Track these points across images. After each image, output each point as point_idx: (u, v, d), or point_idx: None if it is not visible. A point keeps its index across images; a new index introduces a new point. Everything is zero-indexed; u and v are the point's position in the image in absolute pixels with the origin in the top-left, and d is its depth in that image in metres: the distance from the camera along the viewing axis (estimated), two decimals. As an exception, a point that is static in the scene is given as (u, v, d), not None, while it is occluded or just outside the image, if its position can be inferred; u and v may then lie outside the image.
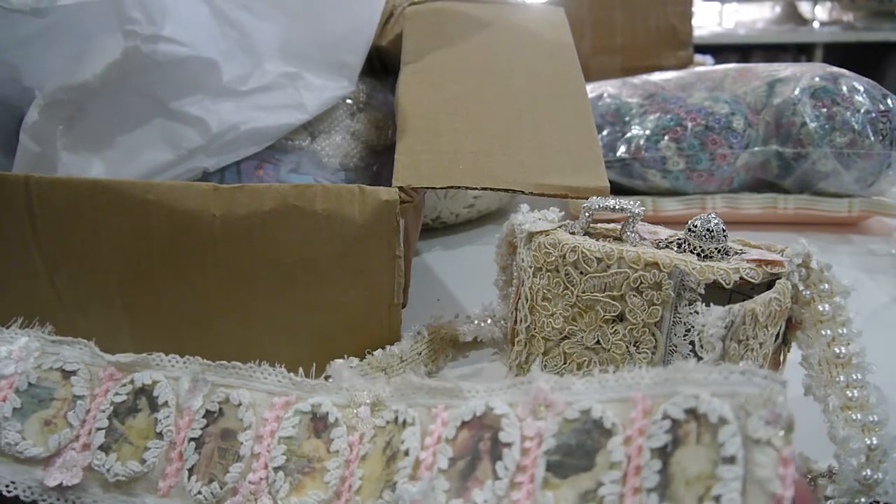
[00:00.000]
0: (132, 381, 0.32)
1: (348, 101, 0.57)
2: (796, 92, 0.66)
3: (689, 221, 0.36)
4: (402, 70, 0.52)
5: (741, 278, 0.33)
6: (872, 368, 0.34)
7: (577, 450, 0.24)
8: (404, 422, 0.28)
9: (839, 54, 2.35)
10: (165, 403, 0.31)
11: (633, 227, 0.37)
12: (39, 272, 0.40)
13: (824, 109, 0.65)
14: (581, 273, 0.36)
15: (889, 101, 0.66)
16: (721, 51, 2.23)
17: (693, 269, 0.33)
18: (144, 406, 0.31)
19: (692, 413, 0.22)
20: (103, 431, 0.31)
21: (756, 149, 0.67)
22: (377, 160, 0.59)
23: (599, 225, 0.39)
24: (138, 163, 0.47)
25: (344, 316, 0.41)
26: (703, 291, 0.33)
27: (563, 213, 0.40)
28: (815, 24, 2.60)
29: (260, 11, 0.50)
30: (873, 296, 0.56)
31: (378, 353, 0.42)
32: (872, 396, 0.33)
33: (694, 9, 1.17)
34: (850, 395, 0.33)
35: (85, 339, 0.33)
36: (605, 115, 0.73)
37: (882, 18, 2.48)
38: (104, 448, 0.30)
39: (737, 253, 0.35)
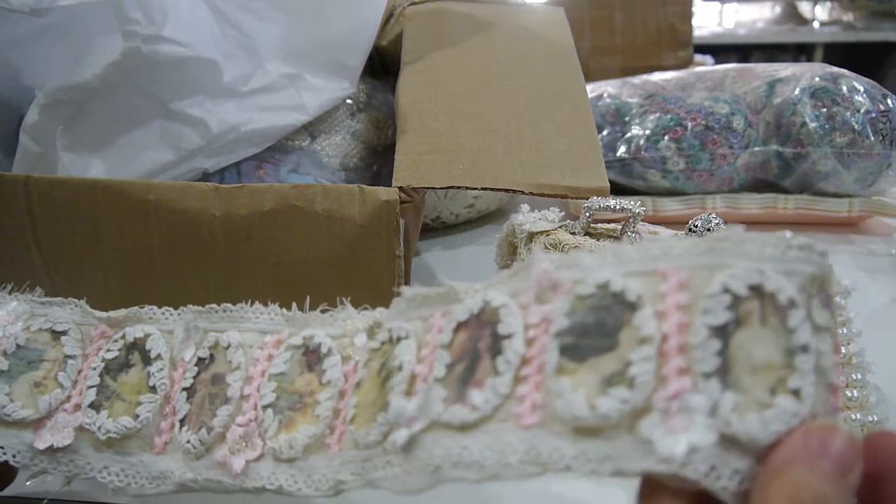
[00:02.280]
0: (124, 337, 0.30)
1: (348, 101, 0.57)
2: (796, 92, 0.66)
3: (690, 221, 0.36)
4: (402, 70, 0.52)
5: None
6: (872, 368, 0.34)
7: (595, 329, 0.21)
8: (398, 338, 0.26)
9: (839, 54, 2.35)
10: (158, 356, 0.29)
11: (634, 227, 0.37)
12: (39, 272, 0.40)
13: (824, 109, 0.65)
14: (581, 273, 0.36)
15: (889, 101, 0.65)
16: (721, 51, 2.23)
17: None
18: (137, 361, 0.29)
19: (756, 290, 0.20)
20: (94, 389, 0.29)
21: (756, 149, 0.67)
22: (377, 160, 0.59)
23: (600, 225, 0.39)
24: (138, 163, 0.47)
25: (344, 316, 0.41)
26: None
27: (563, 213, 0.40)
28: (815, 24, 2.60)
29: (261, 12, 0.50)
30: (873, 296, 0.56)
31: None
32: (872, 396, 0.33)
33: (694, 9, 1.17)
34: (849, 395, 0.33)
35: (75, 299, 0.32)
36: (605, 115, 0.73)
37: (882, 18, 2.48)
38: (95, 406, 0.29)
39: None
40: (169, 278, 0.39)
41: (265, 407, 0.27)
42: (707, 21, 2.67)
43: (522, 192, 0.43)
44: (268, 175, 0.51)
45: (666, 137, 0.68)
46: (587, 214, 0.38)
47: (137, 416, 0.28)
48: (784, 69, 0.71)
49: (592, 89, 0.76)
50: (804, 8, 2.67)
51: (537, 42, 0.57)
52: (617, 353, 0.20)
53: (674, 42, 1.13)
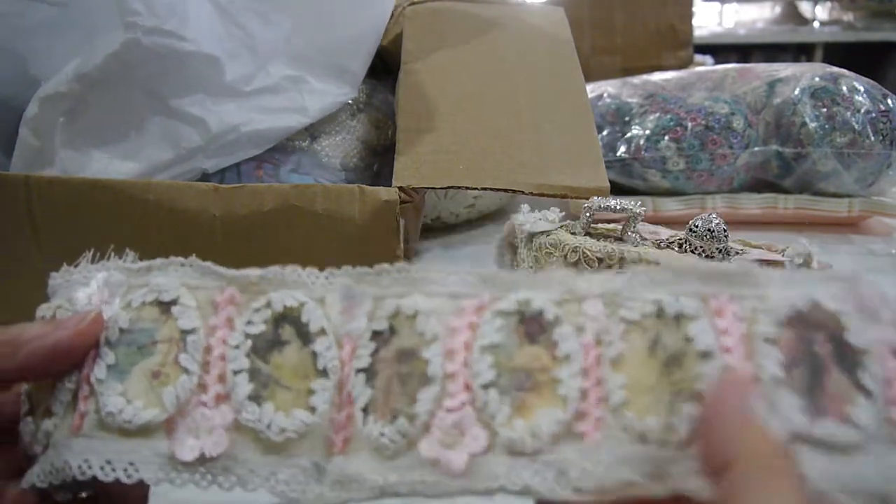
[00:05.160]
0: (269, 305, 0.24)
1: (349, 101, 0.57)
2: (796, 92, 0.66)
3: (691, 222, 0.36)
4: (402, 70, 0.52)
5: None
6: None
7: None
8: (679, 315, 0.22)
9: (839, 54, 2.35)
10: (321, 331, 0.23)
11: (634, 227, 0.37)
12: (39, 272, 0.40)
13: (824, 109, 0.65)
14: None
15: (889, 101, 0.65)
16: (721, 51, 2.23)
17: (693, 269, 0.33)
18: (291, 336, 0.23)
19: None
20: (245, 374, 0.23)
21: (756, 149, 0.67)
22: (377, 160, 0.59)
23: (600, 225, 0.39)
24: (137, 160, 0.46)
25: (344, 316, 0.41)
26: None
27: (563, 213, 0.40)
28: (815, 24, 2.60)
29: (267, 14, 0.50)
30: (873, 296, 0.56)
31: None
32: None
33: (694, 9, 1.17)
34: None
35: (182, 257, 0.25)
36: (605, 115, 0.73)
37: (882, 18, 2.48)
38: (253, 397, 0.22)
39: (738, 253, 0.35)
40: (169, 278, 0.39)
41: (486, 386, 0.22)
42: (707, 21, 2.67)
43: (522, 192, 0.43)
44: (268, 175, 0.51)
45: (666, 137, 0.67)
46: (587, 214, 0.38)
47: (314, 409, 0.22)
48: (784, 69, 0.71)
49: (592, 89, 0.76)
50: (804, 8, 2.67)
51: (537, 42, 0.57)
52: None
53: (674, 42, 1.13)
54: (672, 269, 0.22)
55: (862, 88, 0.66)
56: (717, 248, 0.35)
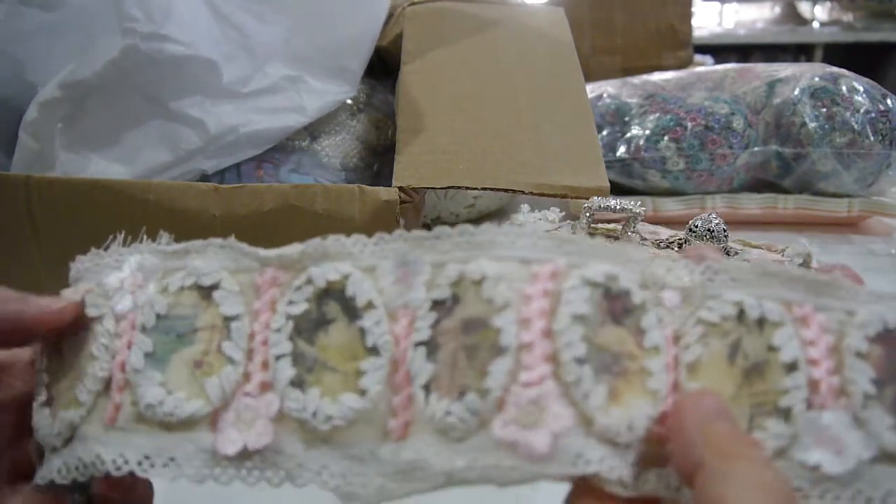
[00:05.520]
0: (310, 281, 0.21)
1: (349, 101, 0.57)
2: (796, 92, 0.66)
3: (690, 222, 0.36)
4: (402, 70, 0.52)
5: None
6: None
7: None
8: (761, 320, 0.20)
9: (839, 54, 2.35)
10: (369, 304, 0.21)
11: (634, 227, 0.37)
12: (39, 272, 0.40)
13: (824, 109, 0.65)
14: (581, 273, 0.36)
15: (889, 101, 0.66)
16: (721, 51, 2.23)
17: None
18: (337, 313, 0.21)
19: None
20: (288, 359, 0.21)
21: (756, 149, 0.67)
22: (377, 160, 0.59)
23: (600, 225, 0.39)
24: (137, 162, 0.47)
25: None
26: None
27: (563, 213, 0.40)
28: (815, 25, 2.61)
29: (263, 15, 0.50)
30: (873, 296, 0.56)
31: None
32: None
33: (694, 9, 1.17)
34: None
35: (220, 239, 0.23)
36: (605, 115, 0.73)
37: (882, 18, 2.48)
38: (297, 383, 0.20)
39: (737, 253, 0.35)
40: (169, 278, 0.39)
41: (579, 361, 0.19)
42: (707, 21, 2.67)
43: (522, 192, 0.43)
44: (268, 175, 0.51)
45: (666, 137, 0.68)
46: (587, 214, 0.38)
47: (364, 392, 0.20)
48: (784, 69, 0.71)
49: (592, 89, 0.76)
50: (804, 8, 2.67)
51: (537, 42, 0.57)
52: None
53: (674, 42, 1.13)
54: (754, 268, 0.20)
55: (861, 88, 0.66)
56: (717, 249, 0.35)
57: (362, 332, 0.21)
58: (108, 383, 0.21)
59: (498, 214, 0.76)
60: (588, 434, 0.18)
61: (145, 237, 0.24)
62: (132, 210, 0.38)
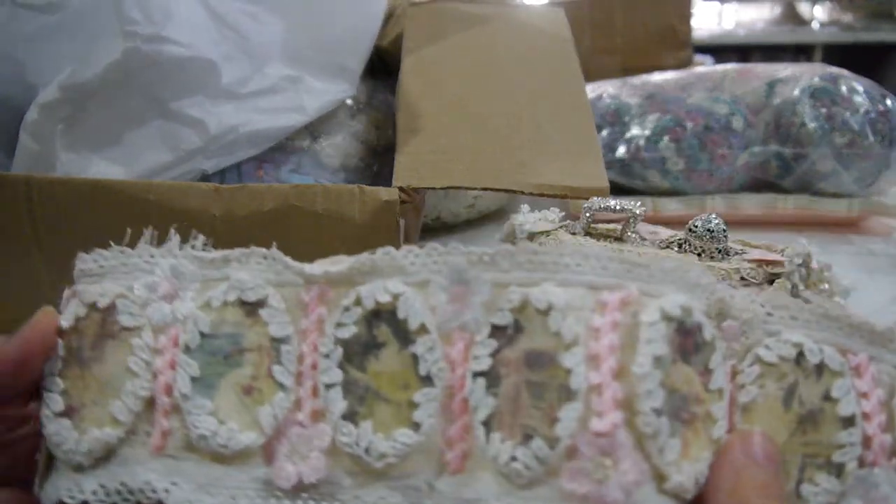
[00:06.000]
0: (359, 301, 0.20)
1: (349, 101, 0.57)
2: (796, 92, 0.66)
3: (690, 222, 0.36)
4: (402, 70, 0.52)
5: (742, 278, 0.33)
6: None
7: None
8: (820, 366, 0.19)
9: (838, 55, 2.35)
10: (422, 328, 0.19)
11: (634, 227, 0.37)
12: (40, 272, 0.40)
13: (824, 110, 0.65)
14: (581, 273, 0.36)
15: (888, 102, 0.66)
16: (721, 51, 2.23)
17: (693, 269, 0.33)
18: (388, 337, 0.20)
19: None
20: (339, 389, 0.19)
21: (756, 149, 0.67)
22: (377, 160, 0.59)
23: (600, 225, 0.39)
24: (137, 163, 0.47)
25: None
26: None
27: (563, 213, 0.40)
28: (815, 25, 2.61)
29: (260, 15, 0.50)
30: (873, 296, 0.56)
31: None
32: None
33: (693, 9, 1.17)
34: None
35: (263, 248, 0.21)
36: (604, 116, 0.73)
37: (881, 19, 2.48)
38: (349, 415, 0.19)
39: (737, 253, 0.35)
40: (169, 278, 0.39)
41: (657, 412, 0.17)
42: (707, 21, 2.67)
43: (522, 192, 0.43)
44: (268, 175, 0.51)
45: (666, 138, 0.68)
46: (587, 214, 0.38)
47: (418, 425, 0.19)
48: (784, 69, 0.71)
49: (592, 89, 0.76)
50: (803, 8, 2.67)
51: (537, 42, 0.57)
52: None
53: (674, 42, 1.13)
54: (814, 309, 0.20)
55: (861, 89, 0.66)
56: (717, 248, 0.35)
57: (415, 359, 0.19)
58: (149, 403, 0.20)
59: (498, 214, 0.76)
60: (660, 490, 0.17)
61: (178, 239, 0.23)
62: (133, 210, 0.38)
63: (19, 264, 0.40)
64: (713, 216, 0.35)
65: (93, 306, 0.21)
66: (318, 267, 0.21)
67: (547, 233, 0.38)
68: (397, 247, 0.40)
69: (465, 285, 0.19)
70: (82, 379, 0.21)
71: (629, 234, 0.37)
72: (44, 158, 0.45)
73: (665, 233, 0.38)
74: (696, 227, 0.35)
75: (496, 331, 0.19)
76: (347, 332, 0.20)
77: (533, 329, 0.19)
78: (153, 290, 0.21)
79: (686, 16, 1.14)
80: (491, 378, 0.19)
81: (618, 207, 0.37)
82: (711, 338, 0.19)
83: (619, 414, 0.17)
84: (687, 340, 0.18)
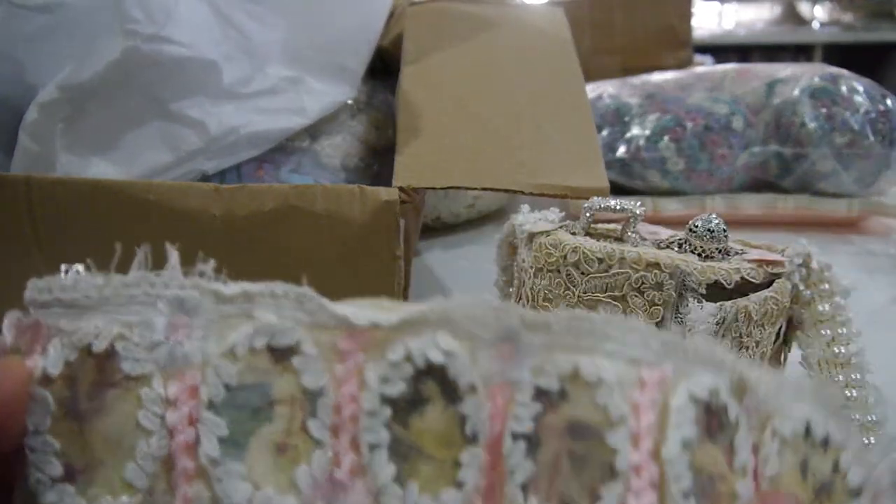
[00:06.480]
0: (409, 357, 0.19)
1: (349, 102, 0.57)
2: (796, 92, 0.67)
3: (690, 222, 0.36)
4: (402, 70, 0.52)
5: (742, 278, 0.33)
6: (871, 368, 0.34)
7: None
8: (827, 440, 0.19)
9: (838, 55, 2.35)
10: (472, 389, 0.18)
11: (634, 227, 0.37)
12: (40, 272, 0.40)
13: (824, 110, 0.65)
14: (582, 273, 0.36)
15: (888, 102, 0.66)
16: (721, 51, 2.23)
17: (694, 269, 0.33)
18: (434, 395, 0.19)
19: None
20: (385, 451, 0.18)
21: (756, 149, 0.67)
22: (377, 160, 0.59)
23: (600, 225, 0.39)
24: (137, 164, 0.47)
25: (344, 316, 0.41)
26: (704, 291, 0.33)
27: (563, 213, 0.40)
28: (815, 25, 2.61)
29: (262, 15, 0.50)
30: (873, 296, 0.56)
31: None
32: (871, 397, 0.33)
33: (694, 9, 1.17)
34: (848, 395, 0.33)
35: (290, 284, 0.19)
36: (604, 116, 0.73)
37: (882, 19, 2.48)
38: (396, 477, 0.18)
39: (737, 253, 0.35)
40: (169, 278, 0.39)
41: (685, 495, 0.17)
42: (707, 21, 2.67)
43: (522, 192, 0.43)
44: (268, 175, 0.51)
45: (666, 138, 0.68)
46: (587, 215, 0.38)
47: (462, 485, 0.18)
48: (784, 69, 0.71)
49: (592, 89, 0.77)
50: (803, 8, 2.67)
51: (537, 42, 0.57)
52: None
53: (674, 42, 1.13)
54: (814, 385, 0.20)
55: (861, 89, 0.66)
56: (717, 248, 0.35)
57: (462, 418, 0.18)
58: (165, 463, 0.18)
59: (498, 214, 0.76)
60: None
61: (178, 264, 0.20)
62: (133, 210, 0.38)
63: (19, 264, 0.40)
64: (713, 216, 0.35)
65: (86, 350, 0.19)
66: (360, 313, 0.19)
67: (547, 233, 0.38)
68: (398, 247, 0.40)
69: (514, 343, 0.19)
70: (81, 436, 0.18)
71: (629, 233, 0.37)
72: (43, 159, 0.45)
73: (665, 233, 0.38)
74: (697, 226, 0.35)
75: (541, 394, 0.18)
76: (395, 390, 0.19)
77: (579, 399, 0.18)
78: (160, 329, 0.19)
79: (686, 16, 1.14)
80: (532, 443, 0.18)
81: (618, 207, 0.37)
82: (736, 417, 0.19)
83: (653, 495, 0.17)
84: (713, 420, 0.18)
